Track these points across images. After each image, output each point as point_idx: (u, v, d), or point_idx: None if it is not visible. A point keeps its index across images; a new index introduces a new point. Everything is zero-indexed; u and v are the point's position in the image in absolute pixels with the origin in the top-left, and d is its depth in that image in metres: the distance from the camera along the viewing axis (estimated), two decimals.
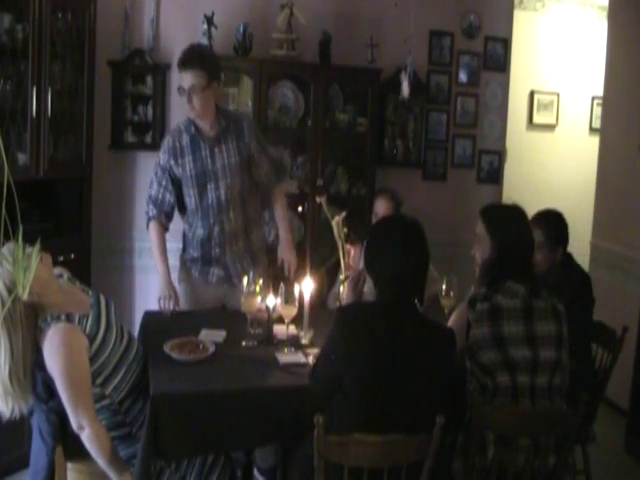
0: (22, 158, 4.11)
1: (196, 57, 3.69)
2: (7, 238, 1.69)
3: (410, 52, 5.35)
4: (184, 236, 4.08)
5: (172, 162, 3.85)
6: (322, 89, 5.28)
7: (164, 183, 3.89)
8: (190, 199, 3.89)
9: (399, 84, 5.33)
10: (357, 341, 2.52)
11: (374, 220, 4.31)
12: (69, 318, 2.73)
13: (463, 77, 5.87)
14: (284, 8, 5.10)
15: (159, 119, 5.12)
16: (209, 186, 3.84)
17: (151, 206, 3.92)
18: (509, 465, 2.67)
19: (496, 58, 5.93)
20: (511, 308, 2.80)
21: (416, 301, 2.65)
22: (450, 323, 3.01)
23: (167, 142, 3.91)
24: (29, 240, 2.30)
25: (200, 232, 3.92)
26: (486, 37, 5.88)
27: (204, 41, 4.96)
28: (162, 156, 3.90)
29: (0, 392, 2.61)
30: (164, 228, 3.95)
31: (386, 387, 2.48)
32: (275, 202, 4.14)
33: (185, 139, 3.85)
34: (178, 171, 3.86)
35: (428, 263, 2.67)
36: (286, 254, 4.08)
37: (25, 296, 2.44)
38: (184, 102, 3.71)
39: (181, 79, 3.69)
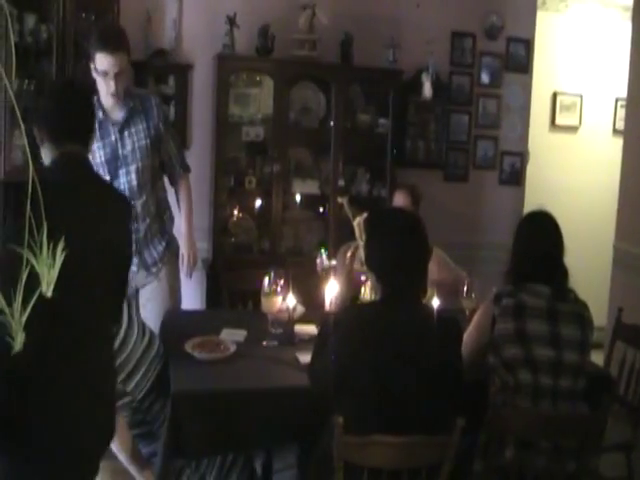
0: None
1: (118, 38, 3.55)
2: (32, 236, 1.69)
3: (432, 53, 5.35)
4: None
5: None
6: (343, 90, 5.27)
7: None
8: None
9: (420, 85, 5.34)
10: (359, 341, 2.51)
11: None
12: None
13: (485, 78, 5.85)
14: (306, 9, 5.10)
15: (181, 119, 5.13)
16: (120, 171, 3.70)
17: None
18: (528, 467, 2.65)
19: (518, 59, 5.90)
20: (535, 307, 2.79)
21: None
22: (474, 319, 3.00)
23: None
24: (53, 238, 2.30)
25: None
26: (508, 38, 5.85)
27: (226, 41, 4.98)
28: None
29: None
30: None
31: (393, 386, 2.47)
32: (179, 193, 4.03)
33: None
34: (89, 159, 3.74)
35: (428, 254, 2.65)
36: (185, 248, 3.96)
37: (49, 293, 2.45)
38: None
39: (101, 62, 3.47)
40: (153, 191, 3.82)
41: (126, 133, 3.68)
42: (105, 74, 3.49)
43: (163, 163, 3.90)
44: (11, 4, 3.90)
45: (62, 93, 1.45)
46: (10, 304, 2.00)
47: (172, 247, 3.93)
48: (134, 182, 3.70)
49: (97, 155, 3.65)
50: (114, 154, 3.66)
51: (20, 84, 4.04)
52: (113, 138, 3.66)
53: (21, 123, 1.38)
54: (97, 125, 3.60)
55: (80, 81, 1.21)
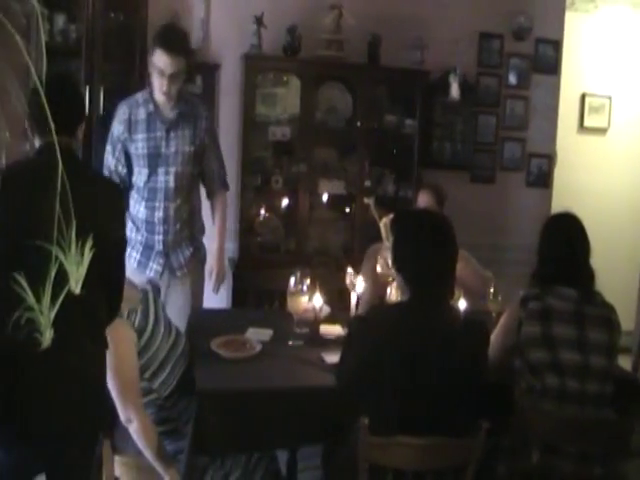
0: None
1: (181, 41, 3.62)
2: (60, 233, 1.70)
3: (459, 54, 5.33)
4: (126, 213, 3.82)
5: (126, 135, 3.72)
6: (370, 90, 5.27)
7: (117, 154, 3.76)
8: (139, 177, 3.76)
9: (447, 86, 5.32)
10: (386, 342, 2.51)
11: None
12: None
13: (513, 79, 5.81)
14: (333, 9, 5.09)
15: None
16: (160, 169, 3.72)
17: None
18: (554, 472, 2.63)
19: (547, 60, 5.86)
20: (562, 311, 2.78)
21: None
22: (501, 322, 2.99)
23: (122, 112, 3.74)
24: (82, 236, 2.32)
25: (144, 212, 3.78)
26: (537, 39, 5.80)
27: (254, 41, 4.99)
28: (117, 126, 3.75)
29: None
30: None
31: (419, 387, 2.46)
32: (215, 209, 4.04)
33: (141, 114, 3.72)
34: (130, 146, 3.73)
35: (456, 255, 2.64)
36: (216, 264, 3.97)
37: (78, 290, 2.47)
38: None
39: (159, 60, 3.56)
40: (188, 198, 3.85)
41: (172, 134, 3.72)
42: (160, 72, 3.56)
43: (203, 175, 3.93)
44: (42, 4, 3.92)
45: (46, 86, 1.46)
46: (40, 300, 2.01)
47: (199, 254, 3.96)
48: (171, 184, 3.73)
49: (140, 146, 3.70)
50: (157, 150, 3.70)
51: None
52: (159, 135, 3.71)
53: (51, 123, 1.39)
54: (145, 117, 3.66)
55: (67, 74, 1.22)
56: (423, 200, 4.16)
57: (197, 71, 5.12)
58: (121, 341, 2.73)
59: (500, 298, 3.55)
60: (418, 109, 5.33)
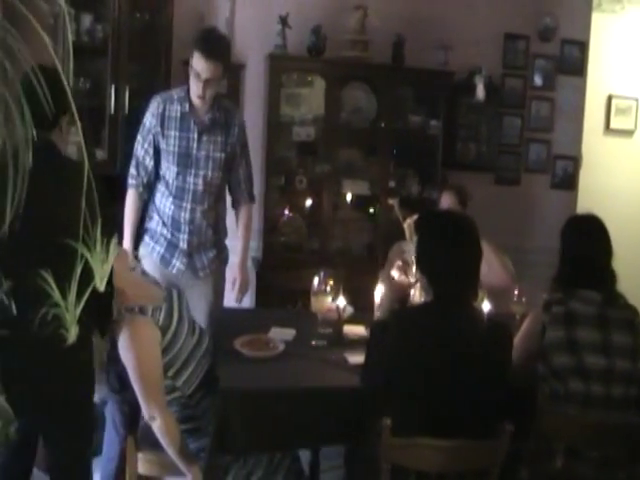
0: (100, 154, 4.21)
1: (219, 47, 3.61)
2: (86, 231, 1.72)
3: (484, 55, 5.30)
4: (152, 205, 3.88)
5: (159, 129, 3.71)
6: (394, 91, 5.26)
7: (146, 146, 3.76)
8: (168, 173, 3.75)
9: (472, 87, 5.29)
10: (410, 344, 2.51)
11: None
12: (142, 310, 2.78)
13: (538, 81, 5.78)
14: (358, 9, 5.09)
15: None
16: (189, 170, 3.72)
17: (133, 169, 3.80)
18: (577, 476, 2.61)
19: (572, 62, 5.81)
20: (586, 315, 2.75)
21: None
22: (524, 327, 2.97)
23: (157, 106, 3.73)
24: (107, 233, 2.33)
25: (171, 209, 3.77)
26: (562, 40, 5.76)
27: (278, 41, 5.00)
28: (150, 118, 3.73)
29: None
30: (141, 200, 3.83)
31: (442, 388, 2.45)
32: (240, 220, 4.03)
33: (176, 111, 3.71)
34: (162, 141, 3.73)
35: (481, 257, 2.62)
36: (239, 274, 3.97)
37: (102, 288, 2.48)
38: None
39: (197, 63, 3.56)
40: (215, 204, 3.86)
41: (204, 138, 3.72)
42: (197, 75, 3.56)
43: (229, 183, 3.93)
44: (69, 4, 3.95)
45: (22, 80, 1.47)
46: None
47: (222, 256, 3.96)
48: (199, 187, 3.74)
49: (171, 143, 3.71)
50: (187, 151, 3.71)
51: (76, 82, 4.11)
52: (191, 136, 3.71)
53: (77, 120, 1.40)
54: (179, 115, 3.67)
55: (49, 67, 1.21)
56: (446, 201, 4.15)
57: None
58: (145, 339, 2.75)
59: (524, 300, 3.53)
60: (442, 110, 5.31)
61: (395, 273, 3.56)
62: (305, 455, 3.38)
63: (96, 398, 2.77)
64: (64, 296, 1.94)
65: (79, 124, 1.56)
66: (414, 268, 3.55)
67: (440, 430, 2.38)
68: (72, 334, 2.33)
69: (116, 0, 4.20)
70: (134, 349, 2.72)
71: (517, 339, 2.88)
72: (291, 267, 4.69)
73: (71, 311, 2.24)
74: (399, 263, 3.60)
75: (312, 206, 5.32)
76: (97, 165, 4.10)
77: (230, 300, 4.03)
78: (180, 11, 4.78)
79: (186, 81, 3.70)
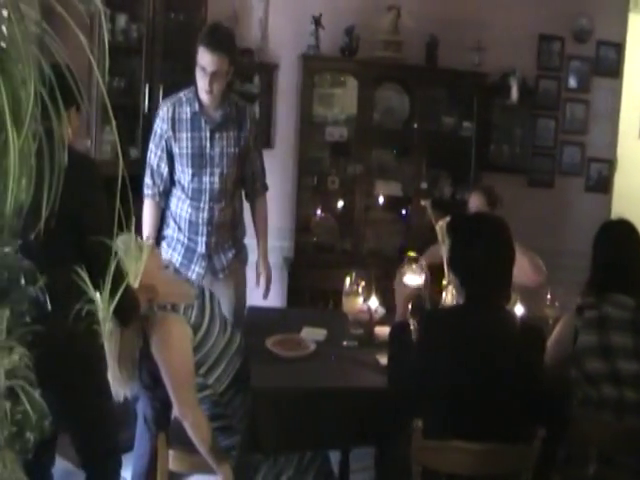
0: (134, 152, 4.23)
1: (226, 41, 3.58)
2: (120, 229, 1.73)
3: (518, 56, 5.26)
4: (167, 212, 3.85)
5: (170, 133, 3.68)
6: (427, 92, 5.25)
7: (159, 153, 3.73)
8: (183, 176, 3.73)
9: (506, 88, 5.26)
10: (442, 346, 2.50)
11: None
12: (174, 308, 2.79)
13: (573, 82, 5.72)
14: (391, 10, 5.08)
15: (265, 118, 5.17)
16: (204, 170, 3.69)
17: (148, 178, 3.77)
18: None
19: (608, 63, 5.75)
20: (620, 319, 2.72)
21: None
22: (556, 331, 2.95)
23: (167, 110, 3.70)
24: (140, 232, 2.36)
25: (188, 212, 3.75)
26: (598, 41, 5.70)
27: (311, 42, 5.01)
28: (160, 124, 3.71)
29: (109, 377, 2.67)
30: (159, 208, 3.81)
31: (473, 390, 2.44)
32: (256, 212, 4.03)
33: (186, 113, 3.68)
34: (174, 145, 3.70)
35: (513, 259, 2.60)
36: (263, 269, 3.99)
37: (136, 285, 2.51)
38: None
39: (202, 57, 3.53)
40: (232, 200, 3.84)
41: (217, 136, 3.71)
42: (203, 69, 3.54)
43: (244, 177, 3.91)
44: (104, 4, 3.99)
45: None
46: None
47: (241, 255, 3.96)
48: (216, 185, 3.72)
49: (184, 145, 3.69)
50: (201, 151, 3.69)
51: (110, 81, 4.14)
52: (204, 135, 3.69)
53: (112, 119, 1.42)
54: (190, 116, 3.66)
55: (56, 63, 1.21)
56: (474, 202, 4.11)
57: (255, 71, 5.17)
58: (177, 337, 2.76)
59: (557, 304, 3.50)
60: (476, 111, 5.30)
61: (406, 277, 3.54)
62: (335, 456, 3.38)
63: (128, 394, 2.78)
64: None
65: (114, 123, 1.57)
66: (445, 270, 3.56)
67: (471, 433, 2.37)
68: (106, 331, 2.37)
69: (151, 0, 4.23)
70: (166, 346, 2.73)
71: (549, 344, 2.86)
72: (323, 267, 4.70)
73: (105, 307, 2.27)
74: (412, 267, 3.58)
75: (344, 207, 5.33)
76: (130, 164, 4.12)
77: (253, 299, 4.04)
78: (214, 11, 4.80)
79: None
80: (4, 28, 1.14)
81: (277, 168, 5.12)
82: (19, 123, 1.15)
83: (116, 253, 2.28)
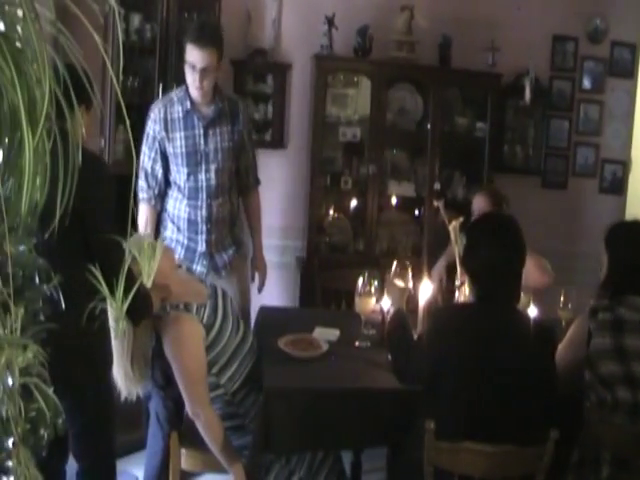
0: None
1: (213, 35, 3.56)
2: (134, 229, 1.74)
3: (532, 57, 5.25)
4: (164, 213, 3.85)
5: (164, 134, 3.68)
6: (441, 92, 5.23)
7: (153, 155, 3.72)
8: (179, 176, 3.72)
9: (520, 89, 5.24)
10: (452, 345, 2.50)
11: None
12: (187, 307, 2.79)
13: (587, 83, 5.70)
14: (404, 10, 5.07)
15: (278, 117, 5.18)
16: (200, 167, 3.69)
17: (142, 181, 3.75)
18: None
19: (623, 64, 5.72)
20: (634, 322, 2.71)
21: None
22: (569, 333, 2.93)
23: (158, 112, 3.70)
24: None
25: (186, 211, 3.75)
26: (612, 42, 5.67)
27: (324, 42, 5.00)
28: (153, 126, 3.70)
29: (121, 375, 2.68)
30: (155, 212, 3.80)
31: (484, 390, 2.43)
32: (249, 207, 4.03)
33: (178, 112, 3.68)
34: (168, 145, 3.70)
35: (524, 258, 2.62)
36: (259, 264, 4.02)
37: (149, 284, 2.51)
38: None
39: (190, 54, 3.53)
40: (229, 196, 3.84)
41: (211, 132, 3.71)
42: (192, 66, 3.54)
43: (239, 171, 3.91)
44: (118, 4, 4.00)
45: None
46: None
47: (242, 251, 3.97)
48: (212, 181, 3.72)
49: (178, 144, 3.69)
50: (195, 148, 3.69)
51: (124, 81, 4.16)
52: (197, 132, 3.69)
53: (126, 118, 1.42)
54: (182, 115, 3.66)
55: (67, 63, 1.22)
56: (479, 203, 4.08)
57: (268, 71, 5.18)
58: (189, 336, 2.77)
59: (570, 306, 3.49)
60: (489, 112, 5.27)
61: (396, 279, 3.54)
62: (347, 456, 3.38)
63: (140, 393, 2.79)
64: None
65: (127, 122, 1.58)
66: (458, 269, 3.56)
67: (483, 434, 2.36)
68: (120, 329, 2.37)
69: (165, 0, 4.24)
70: (178, 346, 2.74)
71: (561, 346, 2.85)
72: (335, 267, 4.69)
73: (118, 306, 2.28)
74: (398, 269, 3.58)
75: (357, 207, 5.33)
76: None
77: (265, 298, 4.05)
78: (227, 11, 4.80)
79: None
80: (19, 28, 1.15)
81: (290, 168, 5.13)
82: (34, 122, 1.15)
83: (129, 252, 2.29)
